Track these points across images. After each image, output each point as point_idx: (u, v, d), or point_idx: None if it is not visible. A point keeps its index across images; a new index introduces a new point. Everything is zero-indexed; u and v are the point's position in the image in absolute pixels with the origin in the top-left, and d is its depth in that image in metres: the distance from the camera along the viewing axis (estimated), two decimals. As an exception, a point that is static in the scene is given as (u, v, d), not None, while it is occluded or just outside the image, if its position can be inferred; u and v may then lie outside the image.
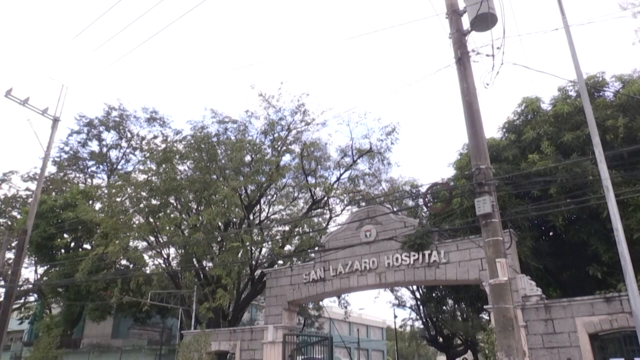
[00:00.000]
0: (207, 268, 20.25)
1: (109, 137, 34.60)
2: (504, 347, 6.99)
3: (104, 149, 34.66)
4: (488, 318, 15.54)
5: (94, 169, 35.27)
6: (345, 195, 23.23)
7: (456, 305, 26.75)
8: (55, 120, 17.73)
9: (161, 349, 23.89)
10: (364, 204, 19.91)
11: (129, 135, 34.54)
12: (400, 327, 40.00)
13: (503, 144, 15.68)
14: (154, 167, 21.05)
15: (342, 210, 22.93)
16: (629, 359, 9.90)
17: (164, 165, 20.46)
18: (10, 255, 27.17)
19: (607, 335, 11.03)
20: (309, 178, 22.56)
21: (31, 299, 33.73)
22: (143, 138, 32.77)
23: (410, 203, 21.67)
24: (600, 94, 14.85)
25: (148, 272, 22.73)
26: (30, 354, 23.73)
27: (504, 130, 16.84)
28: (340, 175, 23.09)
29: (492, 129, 55.29)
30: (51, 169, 33.26)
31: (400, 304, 32.77)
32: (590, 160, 12.04)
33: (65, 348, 25.55)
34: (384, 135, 22.38)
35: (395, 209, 17.22)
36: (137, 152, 33.18)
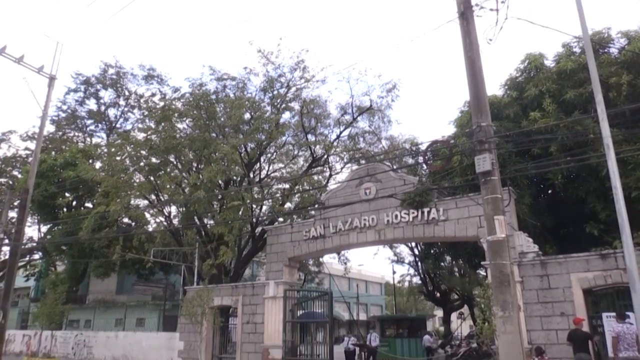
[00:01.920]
0: (208, 225, 20.48)
1: (107, 95, 34.27)
2: (500, 302, 7.16)
3: (102, 108, 34.37)
4: (485, 274, 15.82)
5: (92, 127, 35.10)
6: (345, 153, 23.18)
7: (454, 262, 27.18)
8: (52, 79, 17.47)
9: (165, 304, 24.43)
10: (363, 161, 19.91)
11: (126, 93, 34.16)
12: (399, 282, 40.84)
13: (504, 102, 15.49)
14: (153, 125, 20.93)
15: (342, 168, 22.92)
16: (620, 314, 10.15)
17: (163, 124, 20.35)
18: (13, 214, 27.43)
19: (601, 290, 11.29)
20: (309, 136, 22.45)
21: (36, 256, 34.32)
22: (141, 96, 32.39)
23: (410, 161, 21.63)
24: (605, 50, 14.53)
25: (150, 230, 23.00)
26: (38, 309, 24.32)
27: (506, 87, 16.60)
28: (340, 133, 22.95)
29: (494, 86, 54.65)
30: (50, 128, 33.10)
31: (399, 260, 33.35)
32: (592, 118, 11.93)
33: (71, 304, 26.16)
34: (385, 92, 22.15)
35: (395, 167, 17.21)
36: (135, 111, 32.86)
